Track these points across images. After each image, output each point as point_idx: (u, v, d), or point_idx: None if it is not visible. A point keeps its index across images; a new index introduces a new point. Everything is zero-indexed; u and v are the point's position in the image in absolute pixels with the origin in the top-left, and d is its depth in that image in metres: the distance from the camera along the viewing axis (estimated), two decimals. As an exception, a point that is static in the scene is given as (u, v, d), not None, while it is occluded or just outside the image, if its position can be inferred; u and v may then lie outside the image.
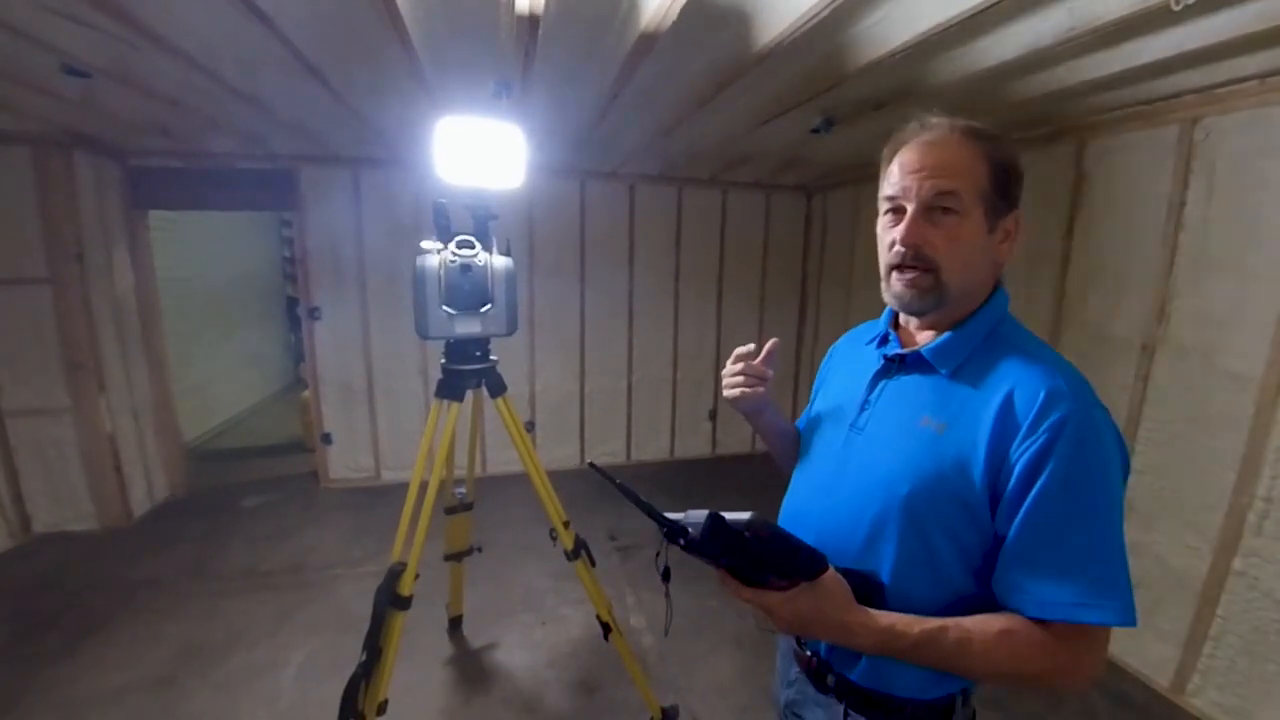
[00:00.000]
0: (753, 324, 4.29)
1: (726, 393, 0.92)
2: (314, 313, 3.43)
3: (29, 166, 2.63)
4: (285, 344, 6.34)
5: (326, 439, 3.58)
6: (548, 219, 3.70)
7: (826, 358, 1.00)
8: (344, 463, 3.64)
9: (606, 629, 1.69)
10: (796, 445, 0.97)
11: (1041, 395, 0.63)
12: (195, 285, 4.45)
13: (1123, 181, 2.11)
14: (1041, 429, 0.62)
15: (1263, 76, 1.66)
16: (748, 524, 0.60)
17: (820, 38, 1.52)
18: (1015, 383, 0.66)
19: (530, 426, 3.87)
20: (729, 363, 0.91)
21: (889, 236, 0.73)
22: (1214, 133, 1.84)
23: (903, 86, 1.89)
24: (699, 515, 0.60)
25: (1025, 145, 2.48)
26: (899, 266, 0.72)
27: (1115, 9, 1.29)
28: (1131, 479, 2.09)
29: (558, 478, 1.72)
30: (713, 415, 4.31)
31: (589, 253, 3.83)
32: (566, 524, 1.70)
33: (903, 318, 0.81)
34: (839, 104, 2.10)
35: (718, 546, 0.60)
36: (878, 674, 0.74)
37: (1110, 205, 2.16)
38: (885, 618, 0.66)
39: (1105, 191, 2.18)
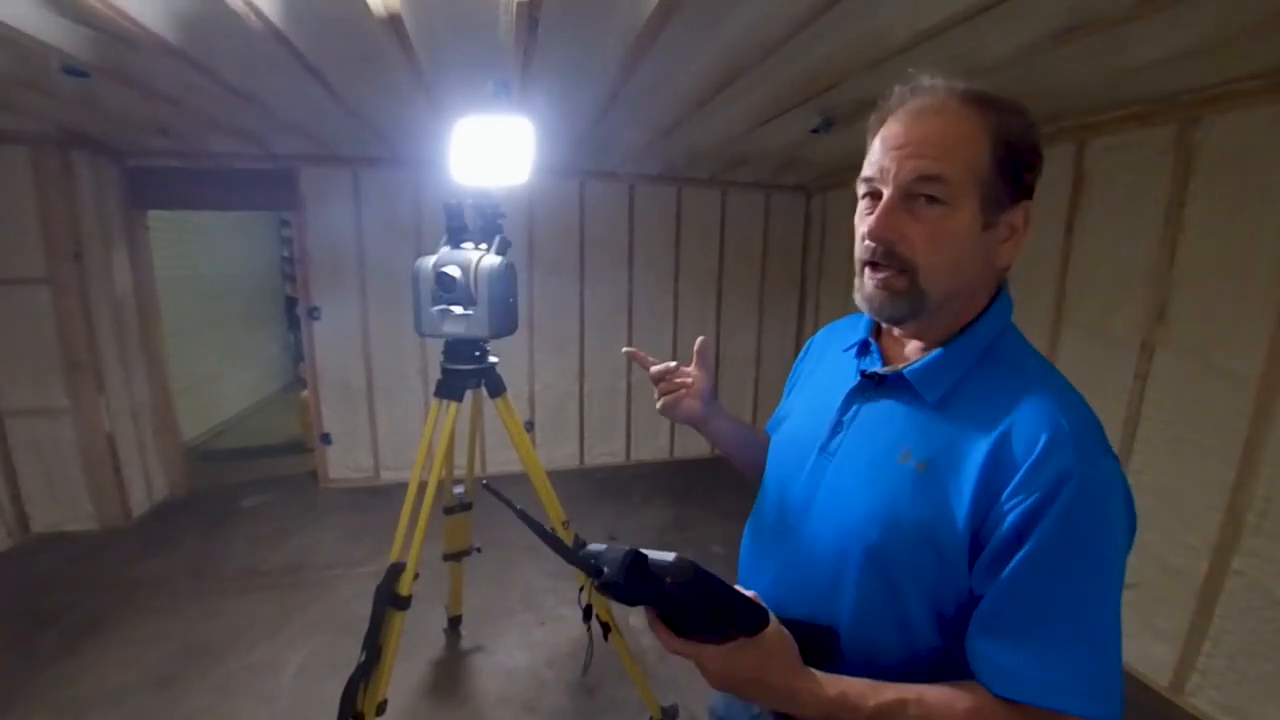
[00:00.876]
0: (752, 324, 4.30)
1: (657, 406, 0.89)
2: (313, 312, 3.42)
3: (27, 166, 2.63)
4: (284, 343, 6.33)
5: (326, 439, 3.57)
6: (547, 219, 3.69)
7: (802, 353, 0.90)
8: (343, 462, 3.64)
9: (606, 628, 1.69)
10: (760, 448, 0.87)
11: (1043, 440, 0.53)
12: (194, 285, 4.44)
13: (1122, 181, 2.11)
14: (1039, 482, 0.52)
15: (1261, 76, 1.66)
16: (669, 568, 0.50)
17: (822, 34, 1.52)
18: (1013, 420, 0.55)
19: (529, 426, 3.87)
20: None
21: (862, 227, 0.62)
22: (1213, 132, 1.84)
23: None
24: (618, 551, 0.51)
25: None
26: (871, 262, 0.61)
27: (1114, 7, 1.29)
28: (1132, 479, 2.08)
29: (557, 478, 1.71)
30: (712, 415, 4.30)
31: (588, 252, 3.83)
32: (566, 524, 1.70)
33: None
34: (838, 104, 2.10)
35: (636, 591, 0.51)
36: None
37: (1109, 205, 2.17)
38: (834, 685, 0.56)
39: (1104, 191, 2.18)
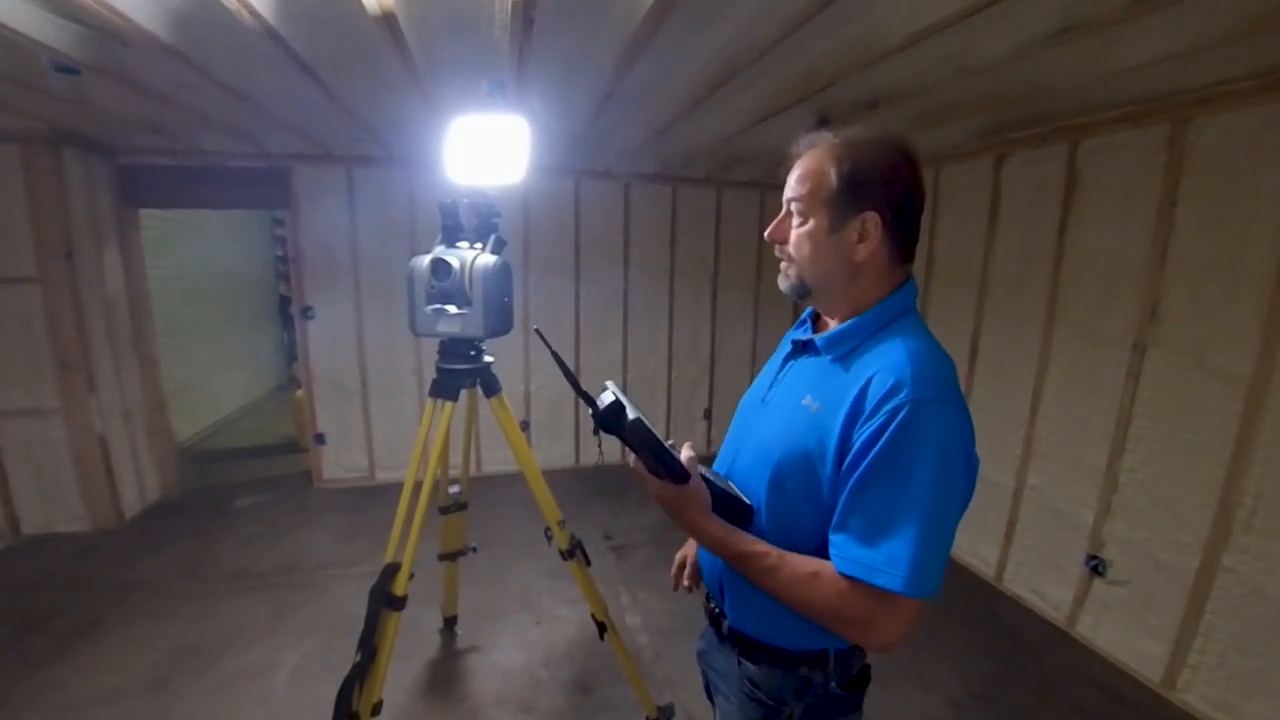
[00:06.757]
0: (747, 323, 4.30)
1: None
2: (307, 312, 3.41)
3: (18, 164, 2.60)
4: (278, 343, 6.30)
5: (320, 439, 3.56)
6: (543, 218, 3.69)
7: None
8: (338, 463, 3.63)
9: (602, 628, 1.69)
10: None
11: (890, 382, 0.70)
12: (187, 284, 4.41)
13: (1115, 181, 2.13)
14: (880, 412, 0.69)
15: (1253, 77, 1.68)
16: (630, 422, 0.76)
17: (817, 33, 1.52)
18: (876, 370, 0.72)
19: (525, 426, 3.87)
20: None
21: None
22: (1205, 133, 1.85)
23: (897, 86, 1.89)
24: (608, 397, 0.78)
25: (1018, 145, 2.50)
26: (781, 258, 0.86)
27: (1108, 8, 1.30)
28: (1124, 476, 2.08)
29: (553, 477, 1.71)
30: (707, 414, 4.31)
31: (584, 252, 3.82)
32: (561, 523, 1.69)
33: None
34: (834, 104, 2.10)
35: (610, 424, 0.77)
36: (755, 624, 0.86)
37: (1102, 205, 2.18)
38: (720, 529, 0.80)
39: (1097, 191, 2.20)
